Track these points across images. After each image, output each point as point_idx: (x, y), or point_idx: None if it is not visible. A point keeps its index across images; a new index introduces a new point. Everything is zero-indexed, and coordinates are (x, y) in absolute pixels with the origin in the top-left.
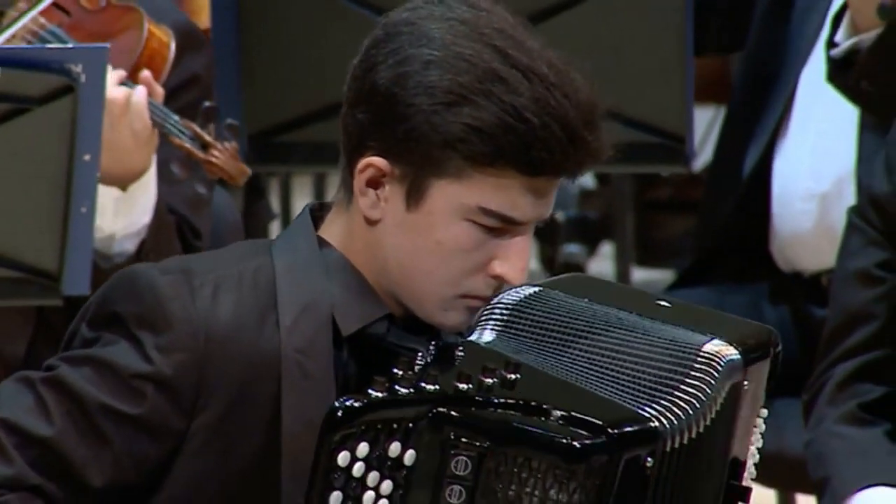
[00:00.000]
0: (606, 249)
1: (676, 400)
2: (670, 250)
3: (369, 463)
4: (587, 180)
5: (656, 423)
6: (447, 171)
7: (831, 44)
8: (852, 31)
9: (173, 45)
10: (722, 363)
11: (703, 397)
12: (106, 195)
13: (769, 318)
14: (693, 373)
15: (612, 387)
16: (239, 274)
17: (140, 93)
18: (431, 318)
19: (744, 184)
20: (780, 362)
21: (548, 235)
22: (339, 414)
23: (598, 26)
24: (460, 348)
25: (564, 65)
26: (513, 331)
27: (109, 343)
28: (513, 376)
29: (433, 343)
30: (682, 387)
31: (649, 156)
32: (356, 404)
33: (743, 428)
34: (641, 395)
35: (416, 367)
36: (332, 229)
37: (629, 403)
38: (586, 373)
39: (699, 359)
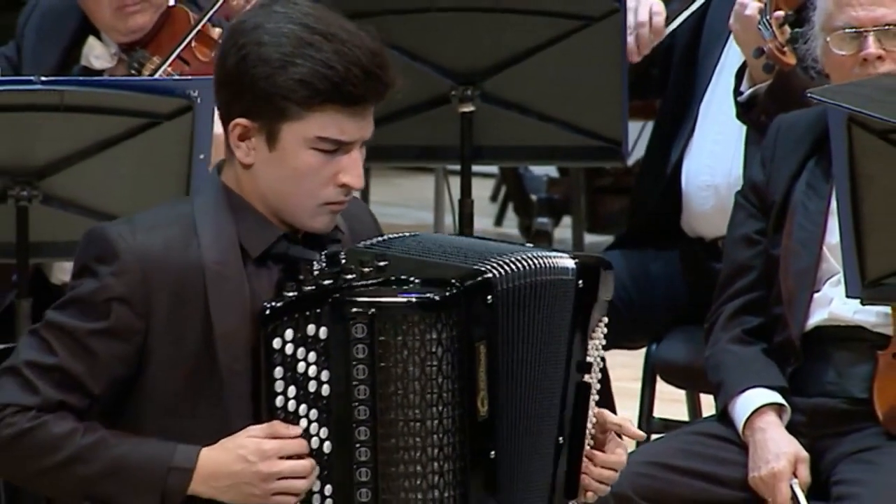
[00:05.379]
0: (566, 221)
1: (507, 261)
2: (611, 222)
3: (296, 343)
4: (552, 171)
5: (490, 274)
6: (289, 116)
7: (738, 92)
8: (752, 82)
9: None
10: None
11: (529, 261)
12: None
13: (680, 271)
14: (522, 251)
15: (460, 259)
16: (168, 217)
17: None
18: (305, 225)
19: (666, 179)
20: (612, 283)
21: (525, 211)
22: (267, 312)
23: (561, 64)
24: (342, 253)
25: (356, 29)
26: (384, 245)
27: (79, 284)
28: (383, 263)
29: (323, 253)
30: (514, 255)
31: (597, 154)
32: (278, 304)
33: (582, 317)
34: (482, 259)
35: (315, 271)
36: (228, 179)
37: (470, 265)
38: (438, 256)
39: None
